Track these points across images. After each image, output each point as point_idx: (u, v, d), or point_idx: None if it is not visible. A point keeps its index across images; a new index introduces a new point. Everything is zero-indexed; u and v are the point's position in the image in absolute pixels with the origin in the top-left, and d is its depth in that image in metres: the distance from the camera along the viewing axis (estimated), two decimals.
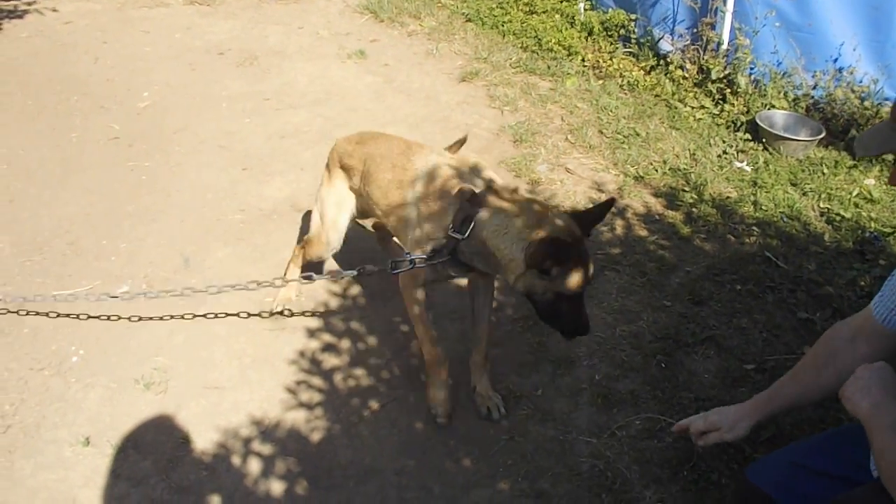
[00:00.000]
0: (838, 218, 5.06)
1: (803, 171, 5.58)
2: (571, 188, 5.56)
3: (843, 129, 5.93)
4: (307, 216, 5.02)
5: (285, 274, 4.54)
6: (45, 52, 8.11)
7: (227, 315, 4.43)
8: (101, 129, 6.52)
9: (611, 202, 3.37)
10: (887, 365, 2.19)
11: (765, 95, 6.20)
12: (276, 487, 3.43)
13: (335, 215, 4.18)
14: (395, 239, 4.46)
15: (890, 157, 5.39)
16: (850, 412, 2.17)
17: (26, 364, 4.10)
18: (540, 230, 3.12)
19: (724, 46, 6.51)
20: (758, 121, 5.95)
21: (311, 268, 4.55)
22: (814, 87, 6.16)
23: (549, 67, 7.40)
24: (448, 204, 3.38)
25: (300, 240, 4.61)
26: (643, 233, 5.05)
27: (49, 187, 5.68)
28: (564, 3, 8.47)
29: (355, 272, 3.71)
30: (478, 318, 3.82)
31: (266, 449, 3.61)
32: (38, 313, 4.40)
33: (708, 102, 6.44)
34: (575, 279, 3.11)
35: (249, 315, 4.43)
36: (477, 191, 3.34)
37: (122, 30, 8.65)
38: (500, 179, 3.52)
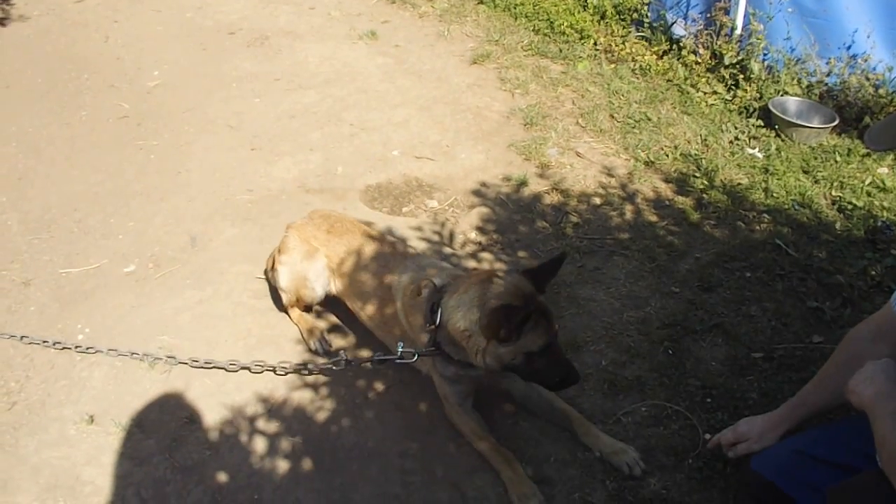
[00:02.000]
0: (850, 206, 5.01)
1: (816, 158, 5.52)
2: (581, 172, 5.52)
3: (857, 117, 5.86)
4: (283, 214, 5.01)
5: (292, 317, 4.26)
6: (56, 30, 8.10)
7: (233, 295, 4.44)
8: (110, 108, 6.51)
9: (562, 257, 3.45)
10: (892, 361, 2.18)
11: (778, 82, 6.13)
12: (280, 467, 3.43)
13: (312, 283, 4.07)
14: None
15: None
16: (855, 405, 2.16)
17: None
18: (489, 300, 3.19)
19: (738, 32, 6.44)
20: (770, 107, 5.89)
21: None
22: (828, 74, 6.09)
23: (560, 51, 7.34)
24: (422, 302, 3.47)
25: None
26: (653, 218, 5.02)
27: (57, 165, 5.69)
28: None
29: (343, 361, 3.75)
30: (548, 409, 3.63)
31: (270, 429, 3.62)
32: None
33: (720, 88, 6.38)
34: (536, 337, 3.15)
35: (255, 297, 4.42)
36: (437, 282, 3.47)
37: (133, 9, 8.62)
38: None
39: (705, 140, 5.83)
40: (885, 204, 5.02)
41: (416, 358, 3.50)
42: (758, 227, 4.88)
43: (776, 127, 5.85)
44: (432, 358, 3.52)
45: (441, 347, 3.40)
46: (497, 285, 3.24)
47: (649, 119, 6.13)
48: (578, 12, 7.84)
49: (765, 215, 4.98)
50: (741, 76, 6.30)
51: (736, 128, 5.95)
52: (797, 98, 6.01)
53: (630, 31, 7.44)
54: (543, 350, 3.17)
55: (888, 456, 1.96)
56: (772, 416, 2.97)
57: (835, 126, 5.73)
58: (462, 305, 3.26)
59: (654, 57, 7.01)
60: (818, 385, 2.87)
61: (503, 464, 3.37)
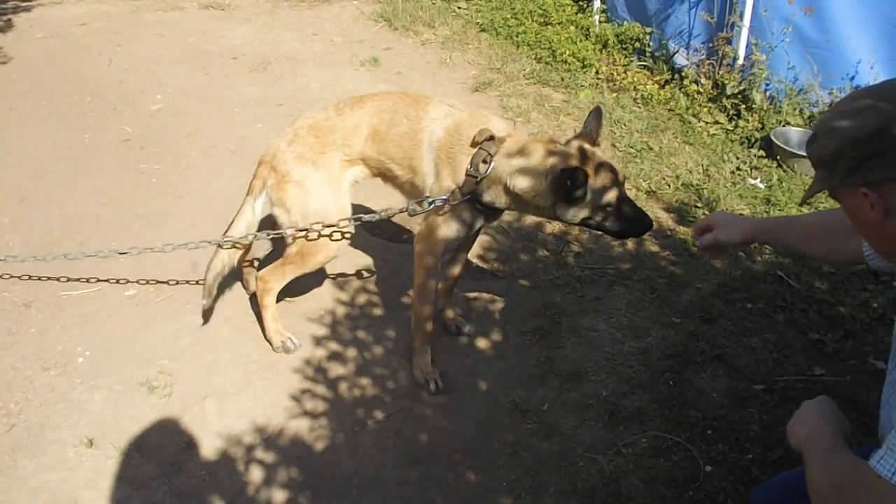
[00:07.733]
0: None
1: None
2: None
3: None
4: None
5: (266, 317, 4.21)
6: (60, 53, 8.14)
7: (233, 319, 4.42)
8: (113, 131, 6.53)
9: (598, 109, 3.54)
10: (828, 397, 2.19)
11: (780, 112, 6.15)
12: (278, 496, 3.42)
13: (338, 202, 3.94)
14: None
15: None
16: (794, 447, 2.16)
17: (32, 363, 4.10)
18: (553, 160, 3.35)
19: (740, 62, 6.47)
20: (772, 137, 5.91)
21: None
22: (830, 105, 6.11)
23: (562, 79, 7.37)
24: (466, 149, 3.56)
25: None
26: (654, 248, 5.02)
27: (60, 188, 5.69)
28: (579, 15, 8.45)
29: (377, 216, 3.85)
30: (456, 260, 4.18)
31: (269, 456, 3.60)
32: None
33: (722, 118, 6.40)
34: (607, 192, 3.32)
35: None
36: (495, 134, 3.53)
37: (137, 33, 8.66)
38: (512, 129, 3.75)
39: (707, 170, 5.84)
40: None
41: (442, 205, 3.60)
42: (759, 259, 4.88)
43: (778, 157, 5.87)
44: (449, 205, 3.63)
45: (477, 196, 3.55)
46: (562, 148, 3.44)
47: (651, 148, 6.14)
48: (580, 41, 7.88)
49: (766, 246, 4.98)
50: (743, 106, 6.32)
51: (738, 158, 5.96)
52: (799, 128, 6.02)
53: (632, 61, 7.48)
54: (618, 202, 3.36)
55: (811, 492, 1.97)
56: (746, 220, 2.92)
57: None
58: (527, 169, 3.39)
59: (656, 86, 7.04)
60: (792, 223, 2.85)
61: (422, 338, 3.94)
